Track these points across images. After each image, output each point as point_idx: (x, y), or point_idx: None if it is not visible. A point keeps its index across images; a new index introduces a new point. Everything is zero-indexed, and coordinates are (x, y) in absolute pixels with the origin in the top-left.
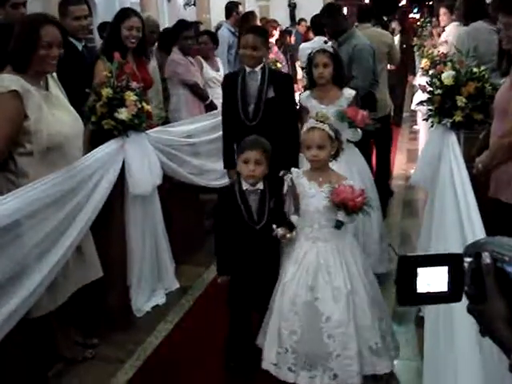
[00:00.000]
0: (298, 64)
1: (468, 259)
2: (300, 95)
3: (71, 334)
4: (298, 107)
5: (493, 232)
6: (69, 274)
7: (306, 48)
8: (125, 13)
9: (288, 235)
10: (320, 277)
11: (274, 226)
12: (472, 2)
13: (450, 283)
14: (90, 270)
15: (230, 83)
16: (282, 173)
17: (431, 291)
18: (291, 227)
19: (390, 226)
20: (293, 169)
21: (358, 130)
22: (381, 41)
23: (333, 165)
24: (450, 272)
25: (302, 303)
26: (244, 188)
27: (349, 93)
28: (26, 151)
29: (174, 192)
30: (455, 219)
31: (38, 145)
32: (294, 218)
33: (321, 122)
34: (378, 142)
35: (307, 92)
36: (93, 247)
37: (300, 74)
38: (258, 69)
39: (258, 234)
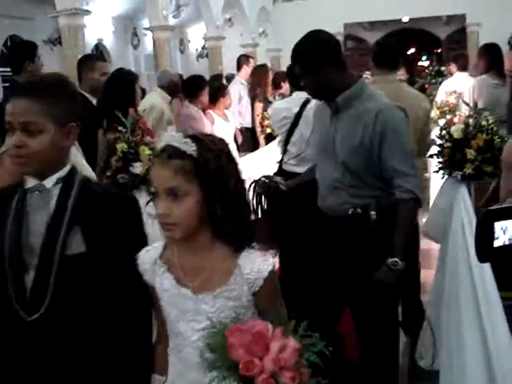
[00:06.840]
0: None
1: None
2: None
3: None
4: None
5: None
6: None
7: (278, 110)
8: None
9: None
10: None
11: None
12: (495, 57)
13: None
14: None
15: None
16: None
17: (505, 244)
18: None
19: None
20: None
21: None
22: (420, 107)
23: None
24: None
25: None
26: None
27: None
28: None
29: None
30: (466, 271)
31: None
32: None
33: None
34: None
35: (155, 253)
36: None
37: None
38: (50, 183)
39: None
